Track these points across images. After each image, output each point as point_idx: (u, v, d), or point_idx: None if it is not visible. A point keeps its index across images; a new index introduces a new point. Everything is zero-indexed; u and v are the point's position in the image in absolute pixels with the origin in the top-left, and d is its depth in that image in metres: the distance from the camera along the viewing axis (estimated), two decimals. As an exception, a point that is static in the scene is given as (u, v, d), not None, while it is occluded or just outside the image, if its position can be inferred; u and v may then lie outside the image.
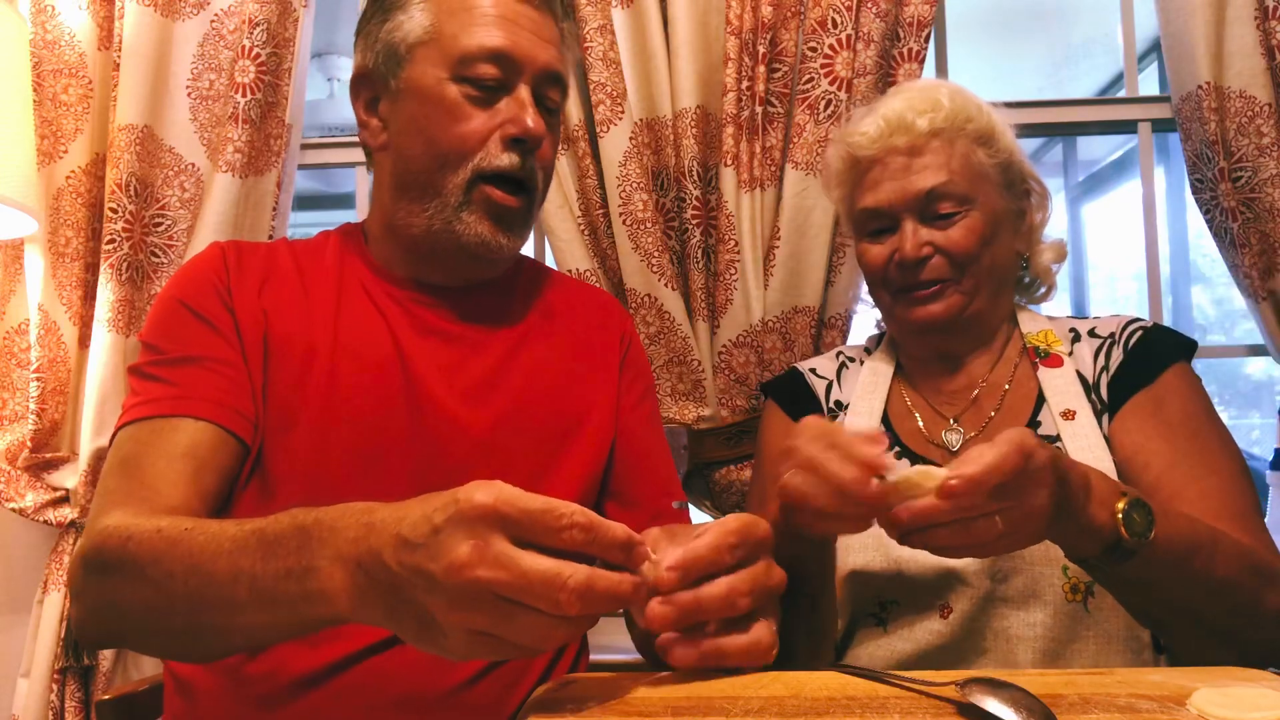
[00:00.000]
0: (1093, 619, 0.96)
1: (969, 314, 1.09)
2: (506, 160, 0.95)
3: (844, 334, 1.55)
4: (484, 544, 0.54)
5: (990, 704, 0.57)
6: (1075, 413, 1.04)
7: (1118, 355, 1.07)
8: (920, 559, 0.99)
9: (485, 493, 0.55)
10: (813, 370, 1.21)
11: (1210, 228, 1.57)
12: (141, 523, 0.76)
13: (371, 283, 1.01)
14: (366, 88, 1.01)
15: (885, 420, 1.13)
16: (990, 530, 0.71)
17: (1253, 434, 3.57)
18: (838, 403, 1.16)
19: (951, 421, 1.10)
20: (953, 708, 0.60)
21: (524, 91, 0.95)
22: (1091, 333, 1.11)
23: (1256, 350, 1.72)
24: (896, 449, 1.10)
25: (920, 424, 1.11)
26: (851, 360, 1.21)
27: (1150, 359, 1.05)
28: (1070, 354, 1.10)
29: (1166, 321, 1.79)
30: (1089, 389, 1.06)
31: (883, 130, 1.08)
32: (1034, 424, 1.06)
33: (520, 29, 0.96)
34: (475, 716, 0.90)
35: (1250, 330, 1.64)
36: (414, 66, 0.96)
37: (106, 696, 1.07)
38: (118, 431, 0.91)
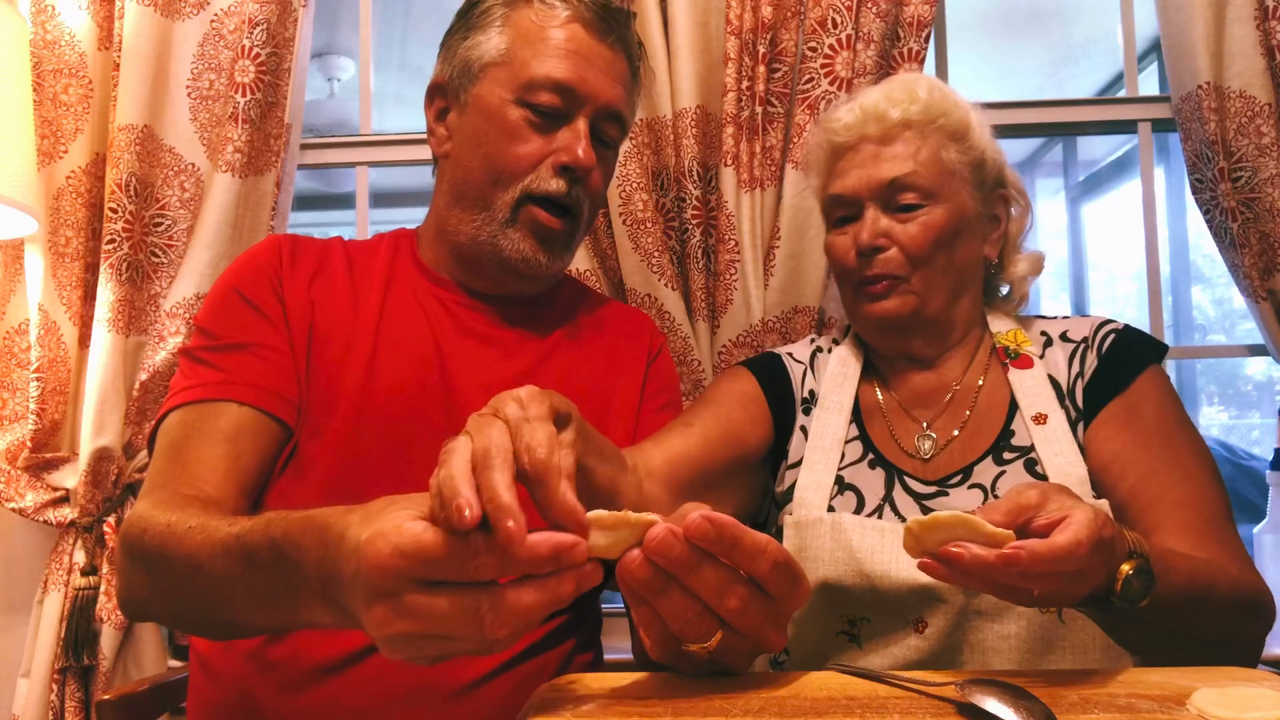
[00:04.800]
0: (1068, 630, 0.95)
1: (927, 315, 1.07)
2: (555, 185, 1.00)
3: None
4: (395, 601, 0.53)
5: (990, 704, 0.58)
6: (1047, 416, 1.03)
7: (1092, 360, 1.06)
8: (894, 575, 0.97)
9: (383, 548, 0.52)
10: (790, 354, 1.19)
11: (1210, 228, 1.57)
12: (158, 515, 0.79)
13: (418, 283, 1.06)
14: (440, 98, 1.07)
15: (856, 415, 1.11)
16: (1024, 598, 0.70)
17: (1253, 434, 3.57)
18: (811, 393, 1.14)
19: (924, 426, 1.08)
20: (953, 708, 0.60)
21: (581, 124, 1.00)
22: (1064, 336, 1.09)
23: (1256, 350, 1.72)
24: (871, 456, 1.07)
25: (890, 428, 1.09)
26: (822, 349, 1.19)
27: (1124, 364, 1.04)
28: (1041, 356, 1.09)
29: (1167, 322, 1.79)
30: (1062, 395, 1.05)
31: (858, 118, 1.08)
32: (1007, 431, 1.05)
33: (590, 65, 1.00)
34: (490, 711, 0.92)
35: (1250, 330, 1.64)
36: (483, 84, 1.02)
37: (106, 696, 1.07)
38: (167, 413, 0.95)
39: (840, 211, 1.10)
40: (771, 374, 1.16)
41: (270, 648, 0.91)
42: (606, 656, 1.14)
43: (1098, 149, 3.27)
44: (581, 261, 1.56)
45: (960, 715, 0.59)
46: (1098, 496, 0.99)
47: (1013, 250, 1.15)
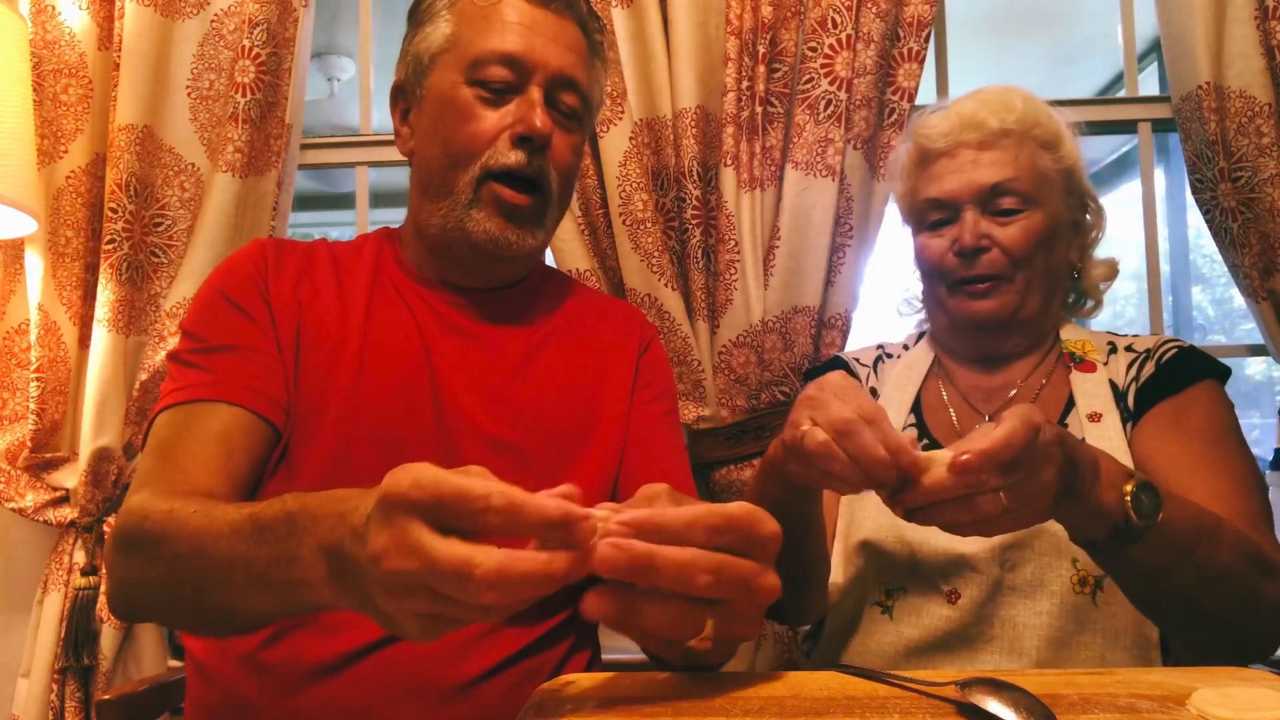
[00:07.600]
0: (1100, 613, 0.98)
1: (1022, 316, 1.11)
2: (513, 158, 0.97)
3: (844, 334, 1.55)
4: (400, 533, 0.53)
5: (990, 704, 0.58)
6: (1101, 415, 1.06)
7: (1150, 368, 1.09)
8: (932, 542, 1.01)
9: (405, 478, 0.53)
10: (856, 360, 1.24)
11: (1210, 228, 1.57)
12: (158, 503, 0.79)
13: (403, 282, 1.05)
14: (401, 100, 1.07)
15: (916, 411, 1.15)
16: (995, 505, 0.71)
17: (1253, 434, 3.57)
18: (873, 390, 1.19)
19: (986, 418, 1.12)
20: (952, 708, 0.60)
21: (535, 92, 0.98)
22: (1129, 348, 1.13)
23: (1256, 350, 1.72)
24: (925, 441, 1.12)
25: (954, 417, 1.13)
26: (889, 355, 1.24)
27: (1180, 373, 1.07)
28: (1105, 363, 1.12)
29: (1167, 321, 1.79)
30: (1119, 397, 1.08)
31: (955, 126, 1.12)
32: (1061, 425, 1.07)
33: (536, 34, 0.99)
34: (488, 710, 0.91)
35: (1250, 330, 1.64)
36: (435, 74, 1.01)
37: (106, 696, 1.07)
38: (156, 416, 0.94)
39: (935, 215, 1.13)
40: None
41: (265, 650, 0.91)
42: (606, 656, 1.14)
43: (1098, 149, 3.27)
44: (581, 261, 1.56)
45: (960, 715, 0.59)
46: None
47: (1090, 256, 1.19)
